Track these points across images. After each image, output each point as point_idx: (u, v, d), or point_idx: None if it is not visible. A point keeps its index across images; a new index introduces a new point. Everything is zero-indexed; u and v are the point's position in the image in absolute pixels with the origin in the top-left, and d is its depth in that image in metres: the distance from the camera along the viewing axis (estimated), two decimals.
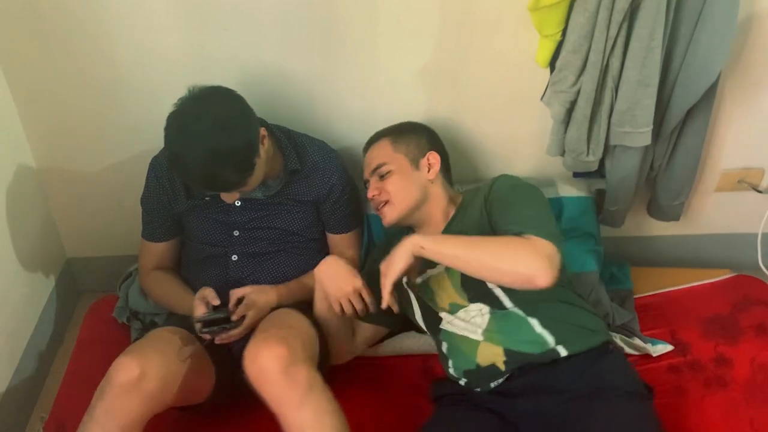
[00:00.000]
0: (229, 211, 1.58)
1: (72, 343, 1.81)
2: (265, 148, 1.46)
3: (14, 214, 1.76)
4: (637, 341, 1.66)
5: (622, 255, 1.95)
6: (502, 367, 1.40)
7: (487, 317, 1.42)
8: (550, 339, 1.39)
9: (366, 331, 1.63)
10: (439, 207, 1.55)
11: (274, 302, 1.52)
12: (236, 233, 1.59)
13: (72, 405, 1.45)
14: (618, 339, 1.66)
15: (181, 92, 1.42)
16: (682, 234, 2.03)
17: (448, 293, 1.47)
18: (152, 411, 1.33)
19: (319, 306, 1.54)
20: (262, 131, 1.46)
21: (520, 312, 1.41)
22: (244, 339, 1.47)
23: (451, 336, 1.47)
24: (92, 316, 1.84)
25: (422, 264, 1.51)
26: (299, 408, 1.28)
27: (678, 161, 1.74)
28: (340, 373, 1.58)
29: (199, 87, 1.42)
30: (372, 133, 1.69)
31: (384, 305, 1.37)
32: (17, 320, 1.80)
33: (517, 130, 1.82)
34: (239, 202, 1.57)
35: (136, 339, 1.68)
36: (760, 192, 1.93)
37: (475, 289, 1.43)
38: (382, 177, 1.55)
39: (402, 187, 1.53)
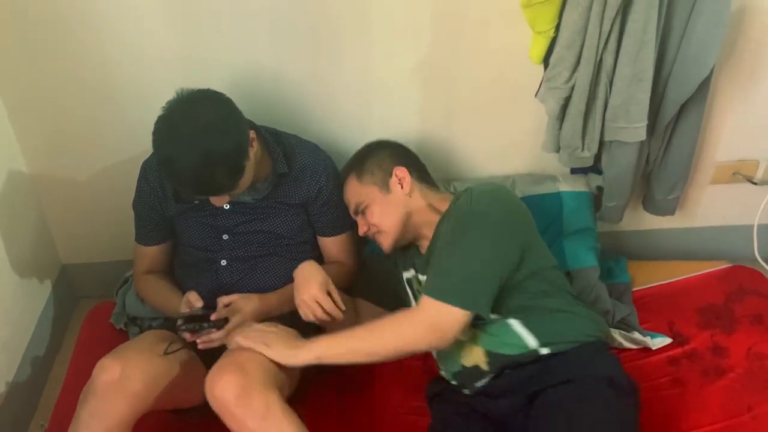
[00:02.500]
0: (218, 215, 1.57)
1: (70, 349, 1.80)
2: (254, 150, 1.46)
3: (7, 221, 1.75)
4: (637, 335, 1.66)
5: (619, 249, 1.96)
6: (486, 368, 1.41)
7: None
8: (532, 341, 1.39)
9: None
10: (424, 217, 1.52)
11: (261, 311, 1.50)
12: (225, 237, 1.58)
13: (71, 412, 1.43)
14: (617, 334, 1.66)
15: (174, 94, 1.41)
16: (678, 227, 2.04)
17: None
18: (138, 412, 1.32)
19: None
20: (251, 134, 1.45)
21: (502, 317, 1.40)
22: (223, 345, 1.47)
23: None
24: (90, 322, 1.83)
25: (421, 266, 1.54)
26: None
27: (672, 155, 1.74)
28: (340, 373, 1.58)
29: (187, 90, 1.41)
30: (366, 133, 1.69)
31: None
32: (14, 328, 1.79)
33: (512, 127, 1.82)
34: (228, 206, 1.56)
35: None
36: (755, 184, 1.94)
37: None
38: (363, 213, 1.55)
39: (383, 214, 1.52)
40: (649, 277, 1.86)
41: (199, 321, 1.41)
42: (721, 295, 1.76)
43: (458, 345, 1.42)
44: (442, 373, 1.50)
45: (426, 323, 1.31)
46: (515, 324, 1.40)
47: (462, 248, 1.35)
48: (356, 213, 1.57)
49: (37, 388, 1.84)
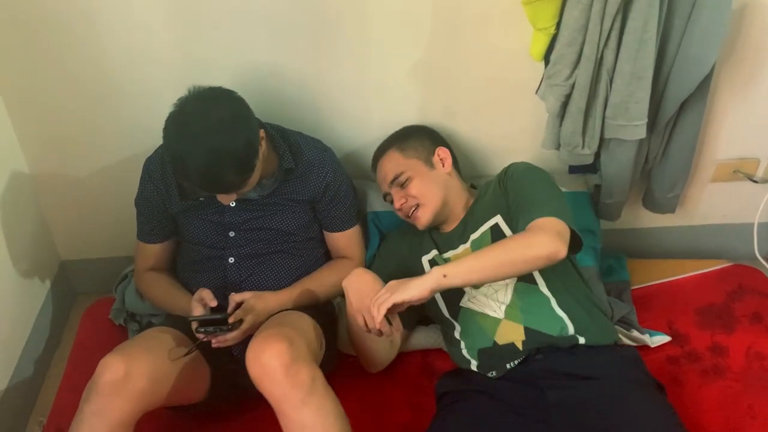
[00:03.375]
0: (224, 212, 1.57)
1: (69, 345, 1.81)
2: (262, 149, 1.46)
3: (7, 217, 1.75)
4: (636, 333, 1.66)
5: (619, 247, 1.96)
6: (520, 347, 1.41)
7: (511, 291, 1.45)
8: (570, 325, 1.41)
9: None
10: (460, 198, 1.60)
11: (273, 309, 1.51)
12: (232, 234, 1.58)
13: (70, 409, 1.43)
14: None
15: (173, 92, 1.41)
16: (678, 225, 2.03)
17: None
18: (141, 410, 1.32)
19: (351, 320, 1.49)
20: (261, 132, 1.45)
21: (545, 291, 1.43)
22: (245, 341, 1.47)
23: (469, 314, 1.48)
24: (89, 318, 1.83)
25: (445, 245, 1.56)
26: (301, 407, 1.27)
27: (673, 153, 1.74)
28: (338, 371, 1.58)
29: (199, 87, 1.41)
30: (365, 130, 1.69)
31: (376, 326, 1.32)
32: (13, 324, 1.79)
33: (512, 125, 1.82)
34: (234, 203, 1.56)
35: None
36: (755, 182, 1.93)
37: None
38: (403, 186, 1.57)
39: (428, 188, 1.56)
40: (648, 275, 1.87)
41: (215, 324, 1.41)
42: (720, 294, 1.76)
43: (495, 320, 1.44)
44: (463, 352, 1.48)
45: (550, 232, 1.31)
46: (554, 302, 1.42)
47: (546, 185, 1.47)
48: (393, 185, 1.59)
49: (36, 383, 1.85)
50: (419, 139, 1.63)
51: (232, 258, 1.58)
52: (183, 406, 1.49)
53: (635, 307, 1.75)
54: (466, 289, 1.49)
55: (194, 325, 1.42)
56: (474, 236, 1.53)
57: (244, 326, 1.43)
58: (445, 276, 1.29)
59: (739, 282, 1.79)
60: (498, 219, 1.51)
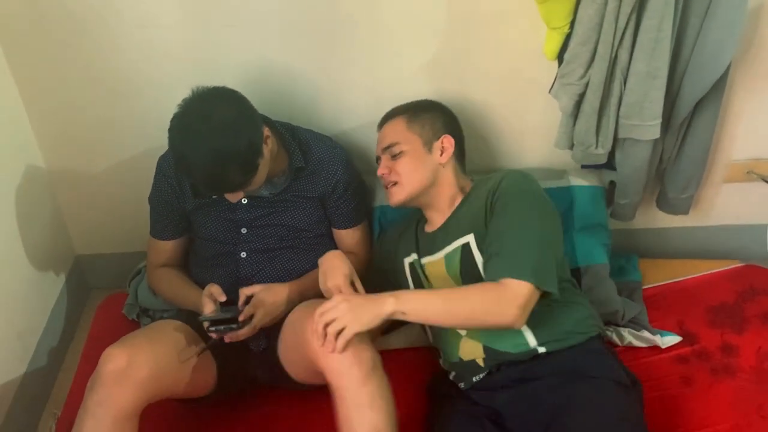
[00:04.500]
0: (236, 209, 1.58)
1: (83, 339, 1.82)
2: (268, 147, 1.46)
3: (23, 212, 1.77)
4: (646, 334, 1.66)
5: (631, 247, 1.95)
6: (482, 364, 1.42)
7: None
8: (532, 340, 1.40)
9: None
10: (447, 192, 1.53)
11: (284, 302, 1.51)
12: (244, 231, 1.59)
13: None
14: (626, 333, 1.66)
15: (187, 89, 1.42)
16: (691, 225, 2.02)
17: (442, 281, 1.48)
18: (145, 400, 1.32)
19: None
20: (266, 131, 1.46)
21: None
22: (259, 335, 1.49)
23: (438, 327, 1.49)
24: (102, 313, 1.85)
25: (426, 248, 1.53)
26: (363, 385, 1.27)
27: (687, 153, 1.73)
28: None
29: (202, 88, 1.42)
30: (375, 128, 1.68)
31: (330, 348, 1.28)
32: (28, 318, 1.81)
33: (525, 123, 1.82)
34: (245, 200, 1.57)
35: None
36: None
37: (473, 281, 1.41)
38: (393, 157, 1.53)
39: (412, 170, 1.51)
40: (659, 275, 1.86)
41: (227, 323, 1.42)
42: (732, 294, 1.75)
43: (457, 336, 1.43)
44: (440, 361, 1.52)
45: (517, 303, 1.27)
46: None
47: (532, 225, 1.37)
48: (385, 152, 1.55)
49: (51, 376, 1.87)
50: (432, 118, 1.55)
51: (244, 253, 1.59)
52: (191, 399, 1.50)
53: (646, 307, 1.74)
54: None
55: (205, 324, 1.43)
56: (447, 250, 1.48)
57: (255, 320, 1.45)
58: (403, 313, 1.28)
59: (750, 282, 1.77)
60: (470, 239, 1.44)
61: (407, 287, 1.56)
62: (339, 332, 1.25)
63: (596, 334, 1.46)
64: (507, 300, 1.28)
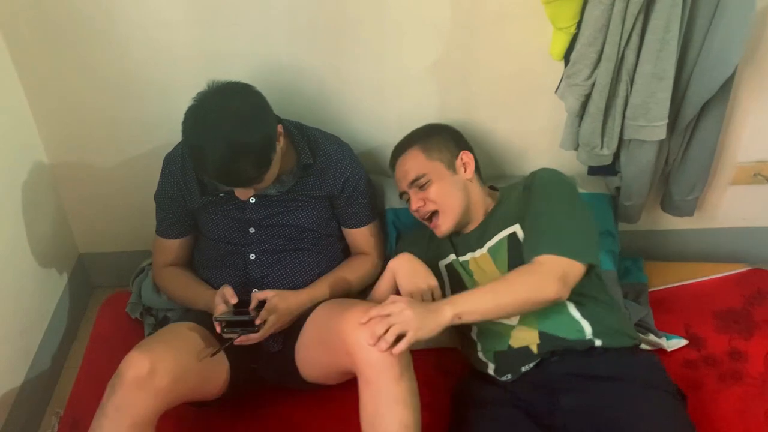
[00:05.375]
0: (244, 208, 1.58)
1: (85, 338, 1.82)
2: (281, 144, 1.46)
3: (27, 210, 1.77)
4: (652, 337, 1.65)
5: (637, 249, 1.94)
6: (535, 350, 1.40)
7: None
8: (587, 328, 1.40)
9: None
10: (481, 204, 1.57)
11: (295, 309, 1.51)
12: (252, 230, 1.59)
13: (86, 401, 1.45)
14: None
15: (193, 87, 1.42)
16: (697, 228, 2.02)
17: (490, 275, 1.48)
18: (164, 407, 1.33)
19: (380, 295, 1.51)
20: (279, 128, 1.46)
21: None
22: (276, 336, 1.50)
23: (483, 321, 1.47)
24: (105, 311, 1.84)
25: (463, 246, 1.55)
26: (399, 381, 1.27)
27: (692, 155, 1.72)
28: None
29: (218, 81, 1.42)
30: (384, 130, 1.68)
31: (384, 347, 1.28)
32: (31, 316, 1.81)
33: (530, 124, 1.81)
34: (253, 199, 1.56)
35: (149, 335, 1.69)
36: None
37: None
38: (422, 188, 1.54)
39: (447, 194, 1.53)
40: (666, 277, 1.85)
41: (242, 325, 1.43)
42: (739, 298, 1.74)
43: (508, 327, 1.43)
44: (479, 355, 1.49)
45: (555, 276, 1.33)
46: (572, 307, 1.41)
47: (566, 208, 1.43)
48: (412, 186, 1.56)
49: (54, 375, 1.86)
50: (443, 140, 1.59)
51: (253, 254, 1.58)
52: (205, 402, 1.50)
53: (652, 310, 1.74)
54: None
55: (219, 325, 1.43)
56: (491, 243, 1.51)
57: (267, 326, 1.44)
58: (459, 317, 1.30)
59: (758, 286, 1.77)
60: (516, 228, 1.48)
61: (443, 291, 1.55)
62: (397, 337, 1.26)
63: (639, 343, 1.48)
64: (544, 275, 1.33)
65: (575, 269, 1.35)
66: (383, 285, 1.52)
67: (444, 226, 1.54)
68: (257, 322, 1.42)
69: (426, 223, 1.58)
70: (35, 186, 1.82)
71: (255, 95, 1.44)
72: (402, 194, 1.62)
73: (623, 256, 1.85)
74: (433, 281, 1.45)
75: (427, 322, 1.27)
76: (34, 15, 1.63)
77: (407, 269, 1.47)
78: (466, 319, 1.31)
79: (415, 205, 1.55)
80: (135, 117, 1.79)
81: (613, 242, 1.78)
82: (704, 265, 1.88)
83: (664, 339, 1.64)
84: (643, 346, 1.63)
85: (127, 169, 1.88)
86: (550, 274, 1.33)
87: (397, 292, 1.48)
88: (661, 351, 1.63)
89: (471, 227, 1.57)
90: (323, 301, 1.54)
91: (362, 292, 1.63)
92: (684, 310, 1.74)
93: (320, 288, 1.57)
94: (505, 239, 1.48)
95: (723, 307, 1.72)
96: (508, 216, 1.50)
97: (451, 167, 1.56)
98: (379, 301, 1.51)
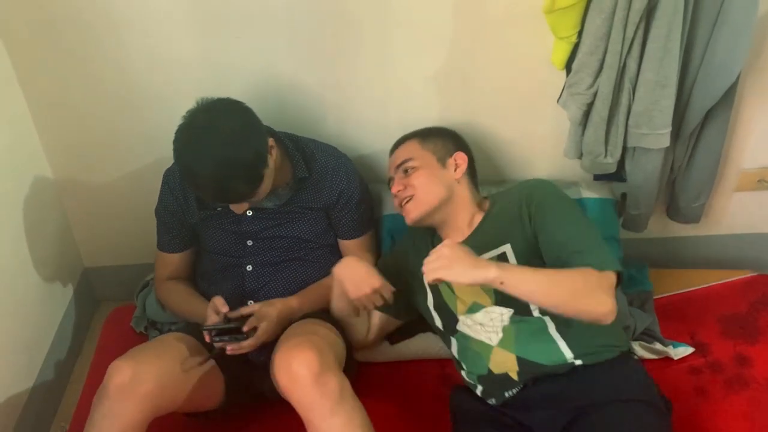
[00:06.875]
0: (241, 222, 1.58)
1: (91, 352, 1.82)
2: (273, 158, 1.46)
3: (32, 224, 1.77)
4: (658, 346, 1.64)
5: (642, 256, 1.93)
6: (515, 377, 1.39)
7: (507, 322, 1.40)
8: (567, 352, 1.37)
9: (376, 322, 1.62)
10: (464, 209, 1.52)
11: (286, 315, 1.51)
12: (249, 243, 1.59)
13: None
14: (638, 346, 1.64)
15: (195, 100, 1.43)
16: (702, 235, 2.01)
17: (473, 290, 1.44)
18: (150, 414, 1.32)
19: (337, 304, 1.55)
20: (270, 141, 1.46)
21: (544, 318, 1.39)
22: (261, 347, 1.48)
23: (464, 338, 1.46)
24: (110, 325, 1.85)
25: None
26: (330, 416, 1.27)
27: (698, 162, 1.72)
28: (357, 382, 1.58)
29: (207, 99, 1.43)
30: (385, 138, 1.67)
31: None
32: (36, 330, 1.81)
33: (533, 132, 1.81)
34: (250, 212, 1.57)
35: None
36: None
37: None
38: (406, 172, 1.52)
39: (427, 182, 1.50)
40: (671, 285, 1.84)
41: (231, 333, 1.43)
42: (744, 304, 1.74)
43: (487, 348, 1.41)
44: (464, 376, 1.48)
45: (612, 292, 1.27)
46: (552, 328, 1.38)
47: (583, 224, 1.40)
48: (398, 170, 1.54)
49: (59, 389, 1.86)
50: (442, 138, 1.58)
51: (250, 266, 1.59)
52: (199, 413, 1.50)
53: (657, 317, 1.73)
54: (460, 316, 1.45)
55: (208, 334, 1.43)
56: None
57: (259, 333, 1.44)
58: (502, 283, 1.24)
59: (763, 292, 1.76)
60: (507, 249, 1.42)
61: (426, 303, 1.53)
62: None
63: (627, 349, 1.45)
64: (606, 288, 1.27)
65: (614, 282, 1.30)
66: (335, 297, 1.53)
67: (413, 212, 1.49)
68: (245, 329, 1.42)
69: (399, 210, 1.55)
70: (40, 200, 1.82)
71: (244, 111, 1.44)
72: (389, 180, 1.59)
73: (627, 264, 1.84)
74: (377, 282, 1.43)
75: (460, 265, 1.24)
76: (37, 29, 1.64)
77: (349, 276, 1.45)
78: (508, 288, 1.24)
79: (395, 188, 1.53)
80: (138, 130, 1.80)
81: (616, 248, 1.77)
82: (709, 272, 1.87)
83: (670, 347, 1.64)
84: (649, 355, 1.63)
85: (132, 182, 1.88)
86: (610, 289, 1.27)
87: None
88: (666, 358, 1.62)
89: (457, 238, 1.50)
90: (314, 307, 1.55)
91: None
92: (689, 317, 1.73)
93: (309, 294, 1.58)
94: (495, 259, 1.42)
95: (728, 313, 1.72)
96: (499, 233, 1.45)
97: (442, 162, 1.54)
98: (338, 316, 1.54)
